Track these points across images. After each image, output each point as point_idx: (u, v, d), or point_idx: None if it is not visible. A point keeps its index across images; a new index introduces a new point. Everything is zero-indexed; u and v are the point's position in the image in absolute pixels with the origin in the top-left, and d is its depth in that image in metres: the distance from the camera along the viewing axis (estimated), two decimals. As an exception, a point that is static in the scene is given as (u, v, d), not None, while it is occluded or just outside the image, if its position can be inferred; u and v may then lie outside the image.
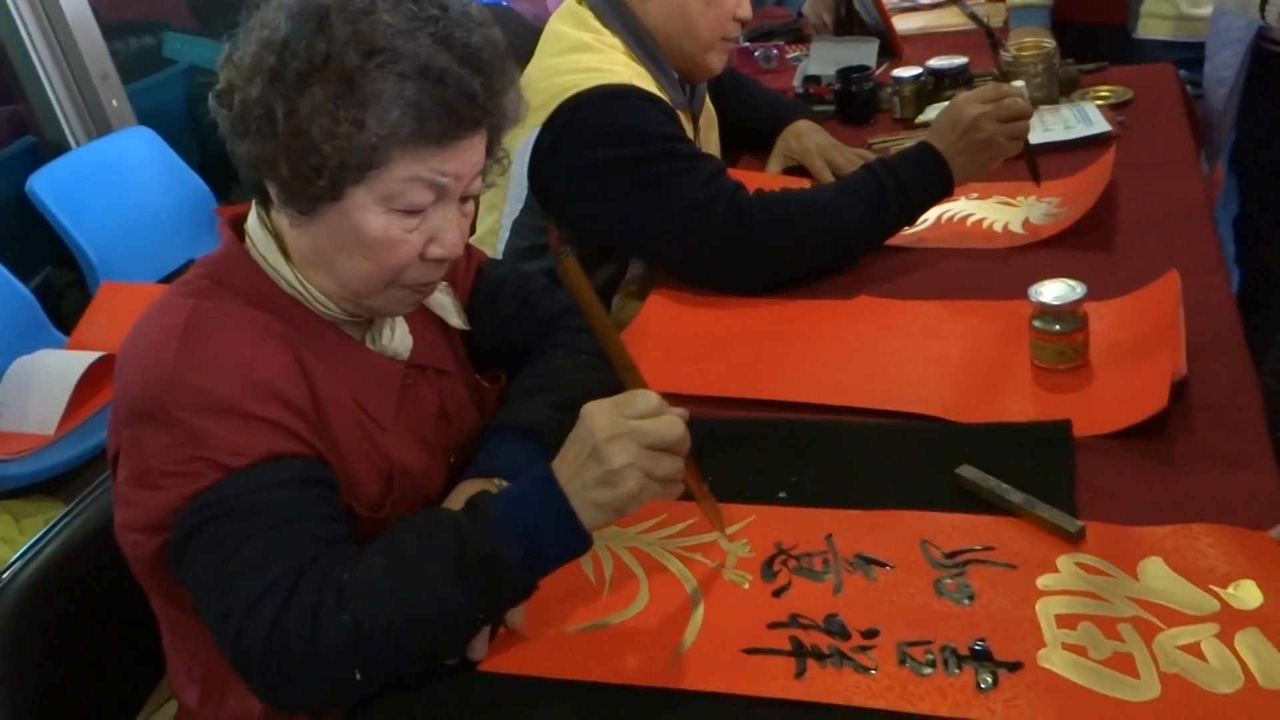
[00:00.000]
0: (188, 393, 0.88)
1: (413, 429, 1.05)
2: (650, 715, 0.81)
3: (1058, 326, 1.13)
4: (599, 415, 0.85)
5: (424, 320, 1.10)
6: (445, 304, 1.12)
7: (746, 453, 1.09)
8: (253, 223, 1.00)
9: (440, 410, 1.09)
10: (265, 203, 0.98)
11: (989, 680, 0.79)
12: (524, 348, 1.17)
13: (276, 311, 0.97)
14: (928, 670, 0.81)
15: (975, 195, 1.59)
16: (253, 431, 0.89)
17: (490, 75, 0.93)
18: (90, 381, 2.11)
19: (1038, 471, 0.99)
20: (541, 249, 1.55)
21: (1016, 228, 1.50)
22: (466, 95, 0.91)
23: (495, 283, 1.18)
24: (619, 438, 0.84)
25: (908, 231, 1.48)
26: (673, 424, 0.85)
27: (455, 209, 0.97)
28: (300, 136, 0.88)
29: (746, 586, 0.92)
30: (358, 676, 0.83)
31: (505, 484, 1.01)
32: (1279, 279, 1.42)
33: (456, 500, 1.00)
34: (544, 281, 1.23)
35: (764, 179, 1.73)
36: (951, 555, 0.92)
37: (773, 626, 0.87)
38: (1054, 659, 0.80)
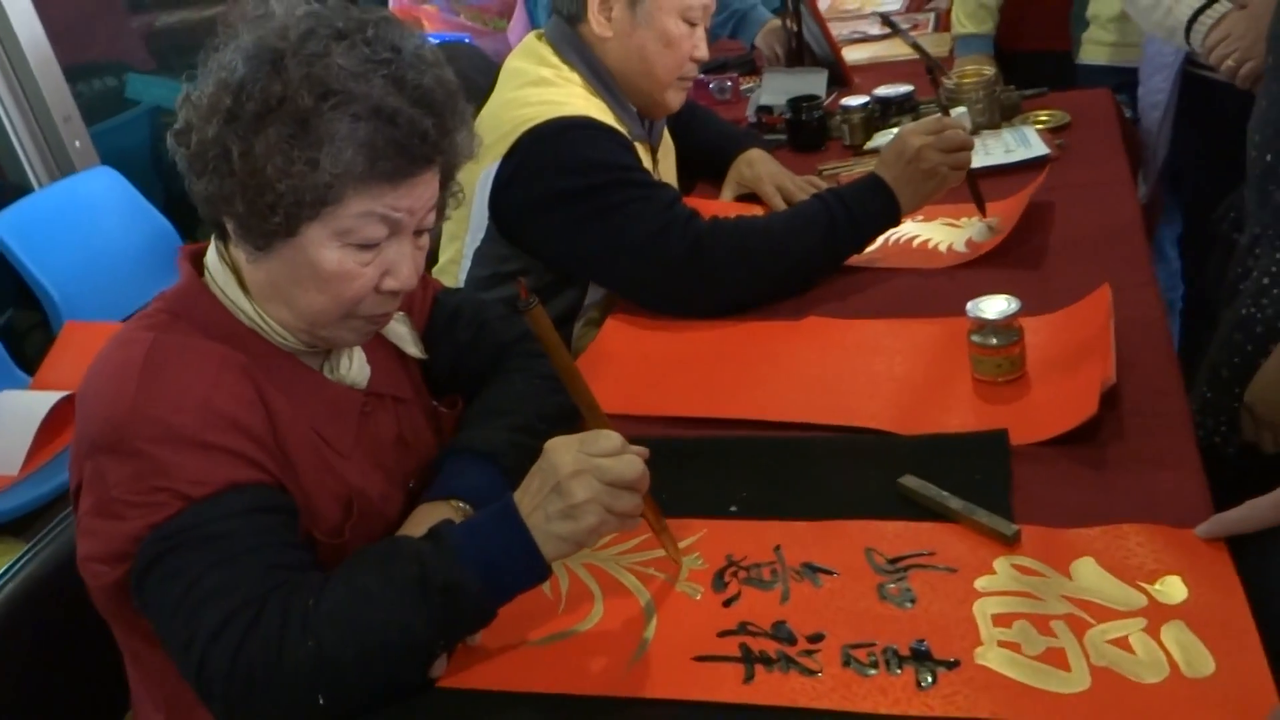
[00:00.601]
0: (148, 424, 0.90)
1: (371, 456, 1.07)
2: (604, 723, 0.84)
3: (995, 340, 1.18)
4: (563, 452, 0.88)
5: (381, 349, 1.13)
6: (402, 333, 1.15)
7: (699, 469, 1.12)
8: (211, 257, 1.03)
9: (398, 437, 1.11)
10: (224, 237, 1.01)
11: (929, 679, 0.83)
12: (481, 373, 1.20)
13: (235, 343, 0.99)
14: (871, 671, 0.84)
15: (921, 218, 1.64)
16: (213, 461, 0.91)
17: (442, 115, 0.96)
18: (55, 421, 2.11)
19: (976, 479, 1.03)
20: (503, 277, 1.58)
21: (960, 247, 1.55)
22: (418, 135, 0.94)
23: (451, 310, 1.21)
24: (581, 474, 0.87)
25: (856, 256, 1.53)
26: (633, 463, 0.89)
27: (409, 243, 1.00)
28: (256, 175, 0.91)
29: (698, 598, 0.95)
30: (321, 702, 0.85)
31: (464, 506, 1.04)
32: (1214, 294, 1.48)
33: (416, 523, 1.02)
34: (500, 308, 1.26)
35: (718, 207, 1.78)
36: (894, 561, 0.95)
37: (723, 635, 0.90)
38: (990, 656, 0.84)
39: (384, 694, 0.88)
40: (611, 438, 0.89)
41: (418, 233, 1.01)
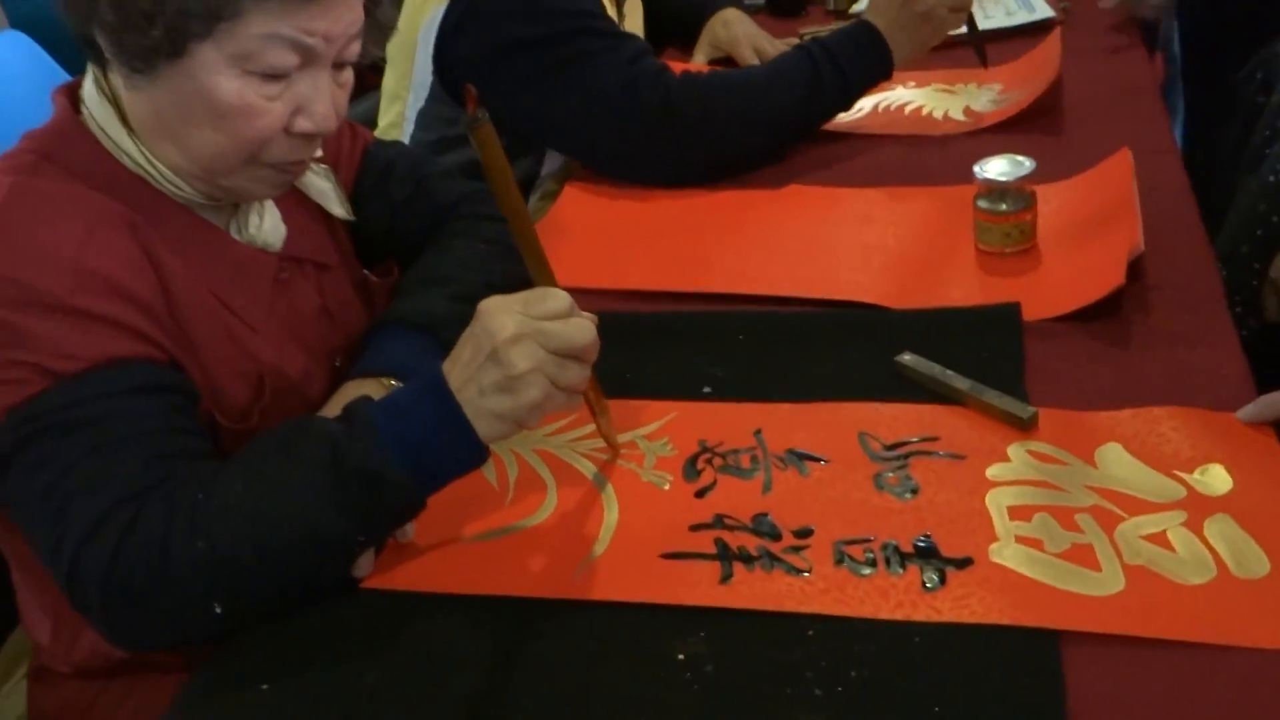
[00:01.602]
0: (5, 286, 0.75)
1: (289, 329, 0.92)
2: (556, 628, 0.72)
3: (1004, 206, 1.05)
4: (501, 314, 0.74)
5: (300, 207, 0.97)
6: (325, 190, 0.99)
7: (668, 347, 0.99)
8: (88, 87, 0.86)
9: (321, 308, 0.96)
10: (101, 62, 0.84)
11: (935, 579, 0.71)
12: (418, 237, 1.04)
13: (117, 192, 0.83)
14: (867, 570, 0.72)
15: (913, 83, 1.50)
16: (86, 331, 0.76)
17: None
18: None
19: (984, 357, 0.91)
20: (451, 142, 1.41)
21: (957, 115, 1.41)
22: None
23: (384, 165, 1.05)
24: (523, 339, 0.72)
25: (843, 119, 1.39)
26: (583, 328, 0.74)
27: (327, 76, 0.83)
28: None
29: (666, 488, 0.82)
30: (218, 610, 0.72)
31: (396, 384, 0.90)
32: (1232, 164, 1.35)
33: (338, 403, 0.88)
34: (441, 165, 1.10)
35: (691, 68, 1.62)
36: (892, 447, 0.83)
37: (695, 529, 0.78)
38: (1006, 553, 0.72)
39: (295, 598, 0.75)
40: (559, 297, 0.75)
41: (338, 66, 0.85)
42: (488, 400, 0.73)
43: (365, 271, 1.04)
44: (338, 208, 1.00)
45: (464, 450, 0.74)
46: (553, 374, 0.73)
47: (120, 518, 0.71)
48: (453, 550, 0.79)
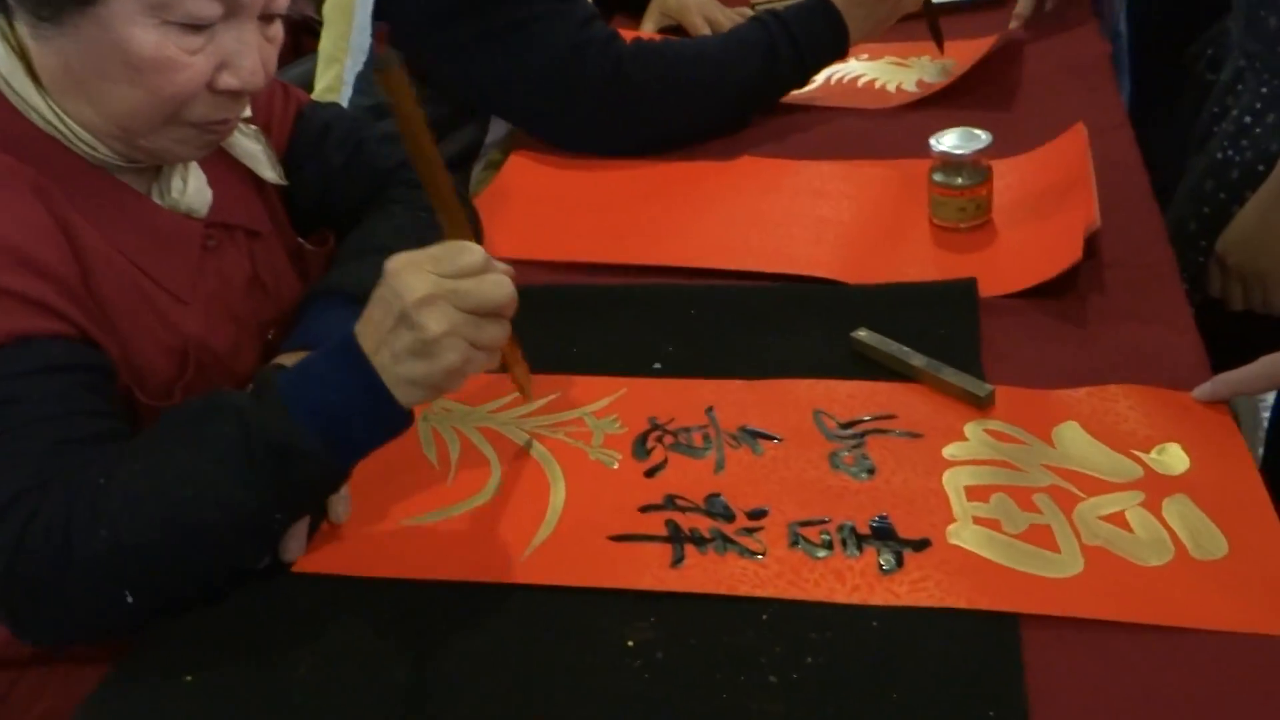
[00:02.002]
0: None
1: (217, 300, 0.87)
2: (499, 614, 0.68)
3: (960, 179, 1.03)
4: (409, 273, 0.68)
5: (228, 171, 0.91)
6: (254, 152, 0.93)
7: (617, 321, 0.95)
8: (-9, 38, 0.79)
9: (252, 278, 0.91)
10: (5, 9, 0.77)
11: (892, 561, 0.69)
12: (355, 204, 0.99)
13: (26, 153, 0.77)
14: (823, 553, 0.70)
15: (866, 56, 1.48)
16: None
17: None
18: None
19: (941, 334, 0.89)
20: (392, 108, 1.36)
21: (910, 87, 1.39)
22: None
23: (319, 128, 1.00)
24: (434, 300, 0.67)
25: (796, 93, 1.36)
26: (499, 284, 0.69)
27: (253, 29, 0.78)
28: None
29: (615, 467, 0.79)
30: (130, 600, 0.68)
31: (329, 357, 0.85)
32: (1182, 143, 1.35)
33: (267, 379, 0.83)
34: (380, 128, 1.05)
35: (642, 36, 1.58)
36: (848, 425, 0.81)
37: (645, 510, 0.75)
38: (964, 534, 0.70)
39: (216, 583, 0.71)
40: (472, 251, 0.69)
41: (266, 18, 0.79)
42: (402, 366, 0.68)
43: (300, 240, 0.99)
44: (269, 171, 0.95)
45: (382, 417, 0.70)
46: (470, 335, 0.68)
47: (23, 508, 0.66)
48: (390, 532, 0.75)
